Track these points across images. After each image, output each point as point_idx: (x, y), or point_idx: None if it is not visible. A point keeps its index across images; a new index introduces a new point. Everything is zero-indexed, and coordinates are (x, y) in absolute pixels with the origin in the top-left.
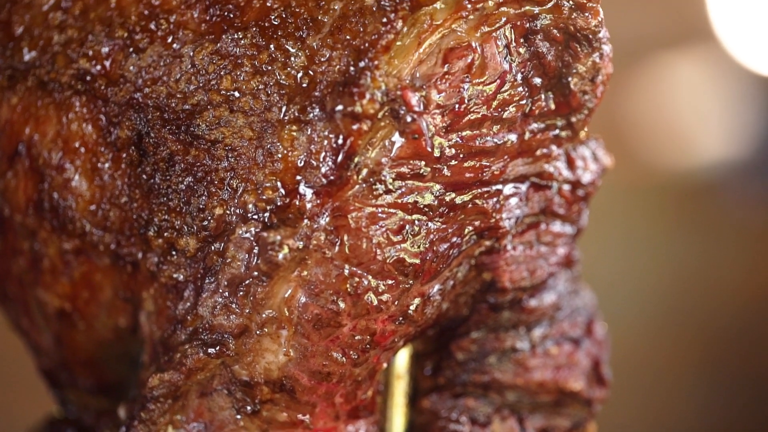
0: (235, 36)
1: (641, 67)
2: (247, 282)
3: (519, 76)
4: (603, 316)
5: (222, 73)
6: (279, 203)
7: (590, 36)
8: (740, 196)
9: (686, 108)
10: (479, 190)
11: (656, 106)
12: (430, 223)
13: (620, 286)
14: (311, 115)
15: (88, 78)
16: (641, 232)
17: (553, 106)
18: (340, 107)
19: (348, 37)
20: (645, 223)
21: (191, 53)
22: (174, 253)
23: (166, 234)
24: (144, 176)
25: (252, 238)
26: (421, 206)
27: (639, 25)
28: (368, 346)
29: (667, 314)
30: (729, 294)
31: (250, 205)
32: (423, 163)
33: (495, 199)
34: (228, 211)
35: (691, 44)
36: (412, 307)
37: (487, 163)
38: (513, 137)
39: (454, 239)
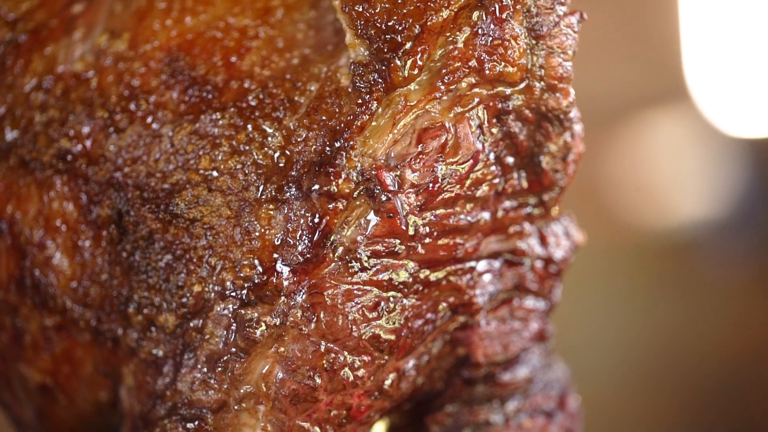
0: (214, 116)
1: (619, 126)
2: (225, 358)
3: (492, 156)
4: (583, 374)
5: (200, 153)
6: (256, 281)
7: (561, 116)
8: (718, 254)
9: (664, 168)
10: (453, 267)
11: (635, 165)
12: (404, 300)
13: (600, 343)
14: (288, 194)
15: (69, 157)
16: (621, 291)
17: (525, 185)
18: (316, 187)
19: (324, 117)
20: (625, 281)
21: (170, 133)
22: (153, 329)
23: (145, 311)
24: (124, 254)
25: (230, 315)
26: (396, 283)
27: (617, 86)
28: (344, 420)
29: (647, 372)
30: (708, 352)
31: (228, 283)
32: (398, 241)
33: (469, 276)
34: (206, 289)
35: (668, 105)
36: (387, 382)
37: (461, 241)
38: (486, 215)
39: (429, 315)
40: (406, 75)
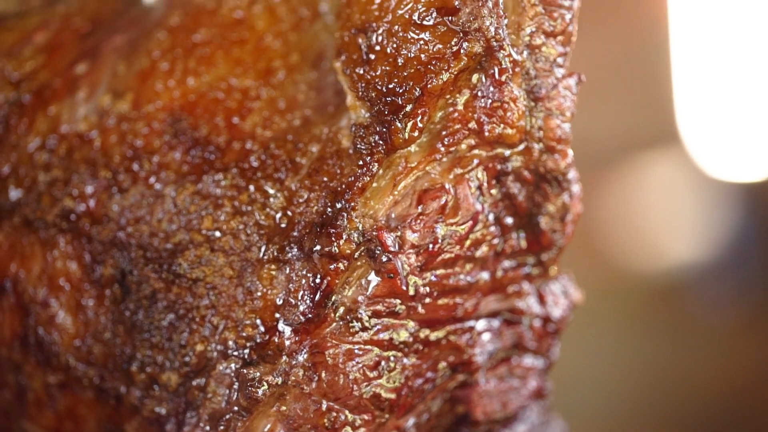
0: (216, 177)
1: (612, 170)
2: (227, 417)
3: (491, 216)
4: (574, 413)
5: (203, 213)
6: (258, 340)
7: (560, 177)
8: (707, 296)
9: (655, 211)
10: (453, 327)
11: (626, 209)
12: (405, 359)
13: (591, 382)
14: (290, 254)
15: (73, 217)
16: (611, 331)
17: (524, 245)
18: (317, 247)
19: (325, 178)
20: (615, 322)
21: (173, 194)
22: (156, 387)
23: (148, 369)
24: (127, 313)
25: (232, 374)
26: (397, 343)
27: (609, 130)
28: None
29: (637, 411)
30: (697, 392)
31: (231, 342)
32: (398, 301)
33: (468, 335)
34: (209, 348)
35: (659, 150)
36: None
37: (461, 301)
38: (485, 275)
39: (429, 374)
40: (407, 137)
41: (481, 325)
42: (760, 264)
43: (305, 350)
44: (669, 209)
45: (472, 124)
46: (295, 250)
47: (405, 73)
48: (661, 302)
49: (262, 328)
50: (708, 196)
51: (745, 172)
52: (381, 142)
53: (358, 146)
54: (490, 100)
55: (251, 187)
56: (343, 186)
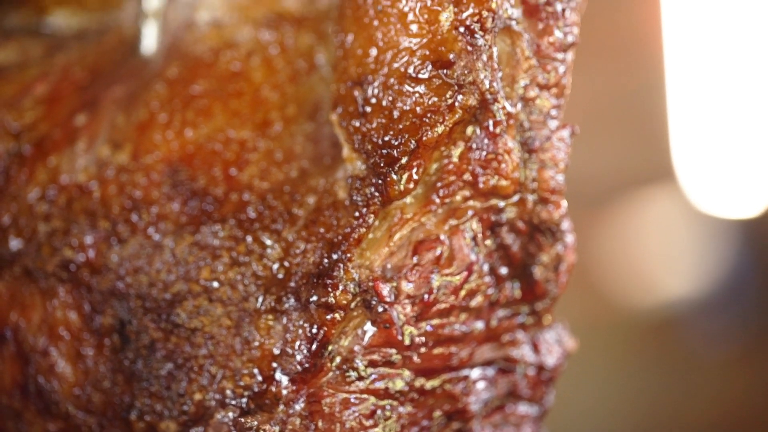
0: (214, 228)
1: (608, 207)
2: None
3: (486, 267)
4: None
5: (201, 264)
6: (256, 389)
7: (553, 227)
8: (702, 331)
9: (649, 247)
10: (448, 376)
11: (620, 245)
12: (400, 408)
13: (584, 419)
14: (287, 305)
15: (72, 267)
16: (606, 367)
17: (518, 295)
18: (314, 298)
19: (322, 230)
20: (610, 357)
21: (172, 244)
22: None
23: (147, 418)
24: (126, 362)
25: (230, 423)
26: (392, 392)
27: (606, 168)
28: None
29: None
30: (691, 426)
31: (228, 391)
32: (394, 350)
33: (463, 384)
34: (207, 397)
35: (655, 187)
36: None
37: (456, 350)
38: (480, 325)
39: (424, 422)
40: (402, 189)
41: (475, 373)
42: (754, 299)
43: (302, 399)
44: (664, 245)
45: (467, 176)
46: (292, 300)
47: (401, 126)
48: (655, 337)
49: (259, 378)
50: (702, 232)
51: (739, 208)
52: (377, 194)
53: (355, 198)
54: (484, 152)
55: (249, 238)
56: (340, 237)
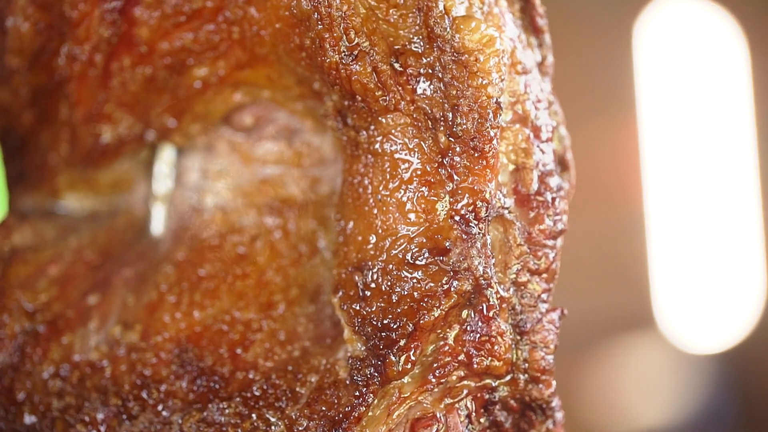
0: (221, 405)
1: (590, 348)
2: None
3: None
4: None
5: None
6: None
7: (544, 405)
8: None
9: (628, 383)
10: None
11: (603, 381)
12: None
13: None
14: None
15: None
16: None
17: None
18: None
19: (324, 408)
20: None
21: (180, 421)
22: None
23: None
24: None
25: None
26: None
27: (588, 312)
28: None
29: None
30: None
31: None
32: None
33: None
34: None
35: (635, 330)
36: None
37: None
38: None
39: None
40: (401, 369)
41: None
42: (731, 427)
43: None
44: (644, 382)
45: (462, 357)
46: None
47: (399, 310)
48: None
49: None
50: (680, 369)
51: (714, 342)
52: (376, 374)
53: (355, 378)
54: (478, 335)
55: (254, 416)
56: (341, 415)
